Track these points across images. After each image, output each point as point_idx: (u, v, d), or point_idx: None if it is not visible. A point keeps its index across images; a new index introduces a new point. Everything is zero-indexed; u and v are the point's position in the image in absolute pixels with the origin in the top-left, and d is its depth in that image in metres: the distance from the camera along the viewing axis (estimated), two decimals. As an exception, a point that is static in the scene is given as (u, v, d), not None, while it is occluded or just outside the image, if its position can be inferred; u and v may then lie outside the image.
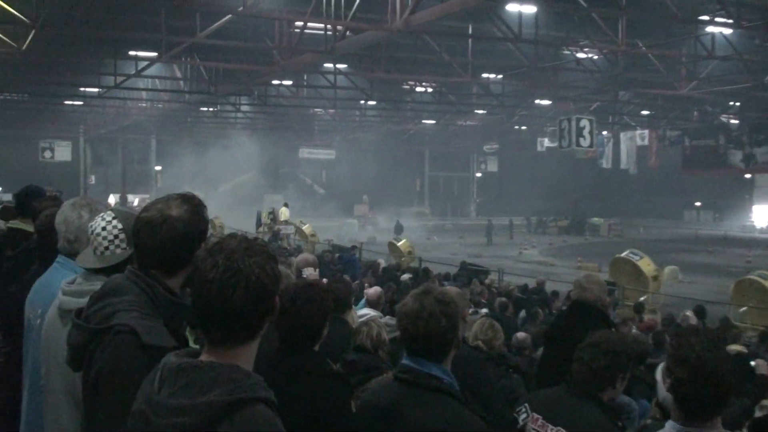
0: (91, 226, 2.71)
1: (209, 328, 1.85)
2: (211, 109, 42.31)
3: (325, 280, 6.48)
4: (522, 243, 42.80)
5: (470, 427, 2.48)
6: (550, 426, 2.94)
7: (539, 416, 3.01)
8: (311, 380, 2.99)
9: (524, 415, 3.07)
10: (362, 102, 37.73)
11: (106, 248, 2.65)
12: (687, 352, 2.35)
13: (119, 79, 27.79)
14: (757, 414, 5.13)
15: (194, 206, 2.40)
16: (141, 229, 2.35)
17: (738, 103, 39.39)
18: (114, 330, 2.22)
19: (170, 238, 2.32)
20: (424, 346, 2.57)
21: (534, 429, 2.99)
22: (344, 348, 4.40)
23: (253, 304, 1.81)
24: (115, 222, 2.67)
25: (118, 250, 2.65)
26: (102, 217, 2.71)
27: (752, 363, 5.95)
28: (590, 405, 2.95)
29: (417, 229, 44.97)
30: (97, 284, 2.52)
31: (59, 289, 2.73)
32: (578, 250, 38.66)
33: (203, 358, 1.86)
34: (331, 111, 41.72)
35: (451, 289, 4.12)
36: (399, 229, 41.55)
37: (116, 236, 2.65)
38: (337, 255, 20.58)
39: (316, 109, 42.94)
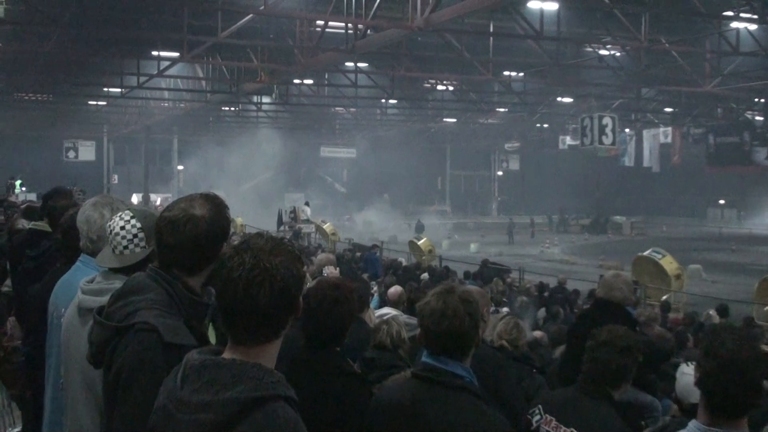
0: (110, 226, 2.72)
1: (233, 326, 1.87)
2: (232, 108, 42.53)
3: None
4: (543, 241, 42.63)
5: (493, 425, 2.47)
6: (563, 427, 2.93)
7: (552, 417, 3.00)
8: (333, 380, 3.01)
9: (537, 417, 3.05)
10: (383, 100, 37.75)
11: (126, 247, 2.67)
12: (718, 346, 2.34)
13: (142, 79, 28.02)
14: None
15: (217, 206, 2.42)
16: (164, 228, 2.36)
17: (763, 100, 38.93)
18: (136, 328, 2.23)
19: (193, 237, 2.33)
20: (447, 345, 2.57)
21: (547, 430, 2.97)
22: (362, 346, 4.40)
23: (278, 303, 1.83)
24: (133, 221, 2.68)
25: (138, 249, 2.67)
26: (120, 216, 2.72)
27: None
28: (603, 404, 2.94)
29: (438, 227, 44.93)
30: (116, 283, 2.54)
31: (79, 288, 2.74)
32: (600, 249, 38.48)
33: (226, 355, 1.88)
34: (352, 109, 41.74)
35: (472, 288, 4.10)
36: (420, 229, 41.53)
37: (135, 235, 2.67)
38: (358, 254, 20.62)
39: (337, 108, 42.99)
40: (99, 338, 2.33)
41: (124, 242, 2.67)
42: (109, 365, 2.26)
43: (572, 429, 2.91)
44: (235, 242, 2.06)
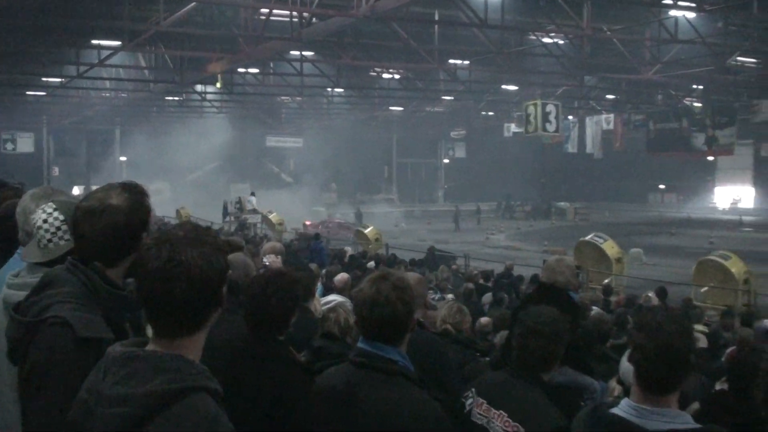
0: (33, 219, 2.66)
1: (153, 319, 1.84)
2: (176, 98, 41.90)
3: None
4: (489, 228, 43.06)
5: (426, 408, 2.51)
6: (494, 410, 2.98)
7: (484, 401, 3.05)
8: (275, 369, 3.00)
9: (470, 400, 3.10)
10: (329, 89, 37.60)
11: (50, 241, 2.60)
12: (648, 320, 2.40)
13: (82, 68, 27.40)
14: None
15: (135, 195, 2.36)
16: (80, 219, 2.32)
17: (701, 87, 39.88)
18: (48, 322, 2.18)
19: (110, 228, 2.28)
20: (380, 331, 2.60)
21: (479, 413, 3.03)
22: (308, 336, 4.41)
23: (197, 296, 1.80)
24: (56, 213, 2.61)
25: (62, 242, 2.59)
26: (43, 209, 2.65)
27: None
28: (533, 388, 2.99)
29: (384, 215, 45.03)
30: (40, 276, 2.46)
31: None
32: (545, 235, 39.02)
33: (149, 348, 1.84)
34: (298, 99, 41.49)
35: (410, 274, 4.16)
36: (359, 217, 41.60)
37: (59, 228, 2.60)
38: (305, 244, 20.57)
39: (283, 97, 42.69)
40: (13, 334, 2.27)
41: (48, 235, 2.60)
42: (23, 361, 2.21)
43: (502, 412, 2.97)
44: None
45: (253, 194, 33.31)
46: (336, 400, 2.59)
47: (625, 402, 2.45)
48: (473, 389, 3.16)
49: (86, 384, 1.86)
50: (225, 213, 32.21)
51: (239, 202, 32.55)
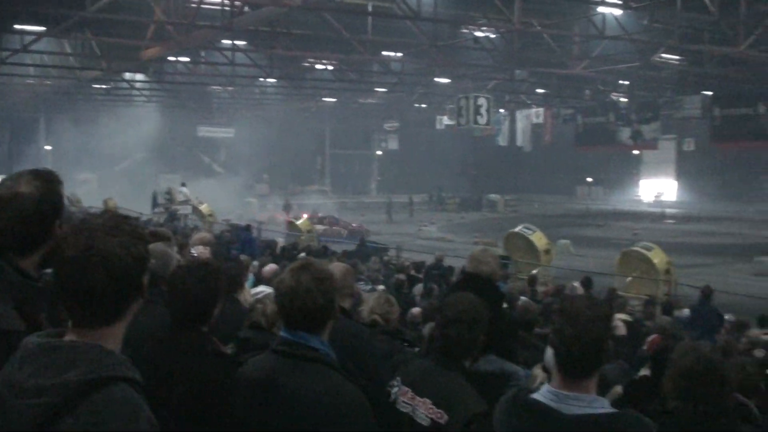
0: None
1: (71, 309, 1.80)
2: (104, 86, 40.90)
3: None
4: (422, 220, 43.36)
5: (346, 394, 2.53)
6: (418, 398, 3.03)
7: (408, 389, 3.10)
8: (197, 360, 2.98)
9: (396, 389, 3.14)
10: (261, 79, 37.25)
11: None
12: (568, 306, 2.47)
13: (4, 54, 26.50)
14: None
15: (47, 182, 2.29)
16: None
17: (627, 82, 40.92)
18: None
19: (20, 216, 2.21)
20: (301, 320, 2.61)
21: (404, 402, 3.07)
22: (237, 327, 4.38)
23: (115, 285, 1.77)
24: None
25: None
26: None
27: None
28: (455, 375, 3.05)
29: (317, 207, 44.89)
30: None
31: None
32: (476, 226, 39.51)
33: (67, 338, 1.81)
34: (230, 88, 41.00)
35: (338, 265, 4.18)
36: (288, 209, 41.46)
37: None
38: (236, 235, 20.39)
39: (214, 87, 42.10)
40: None
41: None
42: None
43: (426, 399, 3.01)
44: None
45: (183, 185, 32.79)
46: (257, 389, 2.60)
47: (545, 388, 2.51)
48: (398, 378, 3.20)
49: (0, 375, 1.80)
50: (154, 204, 31.62)
51: (169, 192, 32.00)
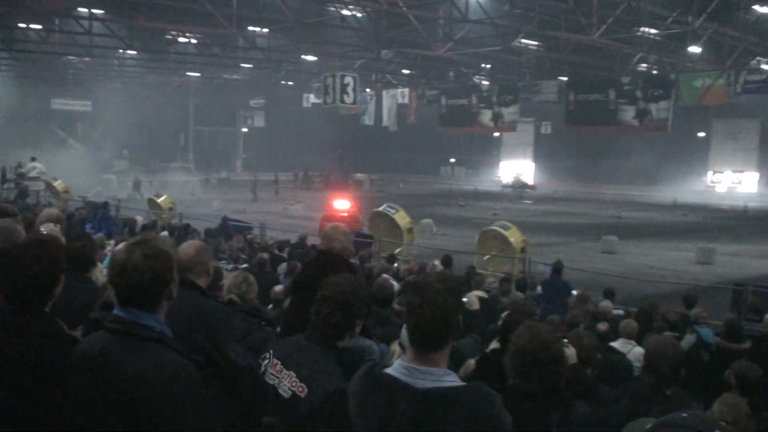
0: None
1: None
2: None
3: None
4: (287, 199, 43.12)
5: (176, 370, 2.51)
6: (285, 371, 3.07)
7: (278, 362, 3.13)
8: (34, 340, 2.89)
9: (266, 361, 3.17)
10: (121, 51, 35.82)
11: None
12: (420, 280, 2.54)
13: None
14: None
15: None
16: None
17: (489, 65, 42.13)
18: None
19: None
20: (132, 297, 2.57)
21: (272, 373, 3.10)
22: (89, 306, 4.23)
23: None
24: None
25: None
26: None
27: (463, 299, 6.50)
28: (325, 352, 3.11)
29: (180, 184, 43.81)
30: None
31: None
32: (342, 205, 39.59)
33: None
34: (87, 59, 39.17)
35: (192, 242, 4.10)
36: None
37: None
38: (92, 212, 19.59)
39: (70, 57, 40.11)
40: None
41: None
42: None
43: (292, 372, 3.05)
44: None
45: (33, 159, 31.08)
46: (89, 367, 2.55)
47: (398, 362, 2.55)
48: (271, 351, 3.24)
49: None
50: (3, 179, 29.86)
51: (20, 167, 30.28)
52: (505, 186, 56.91)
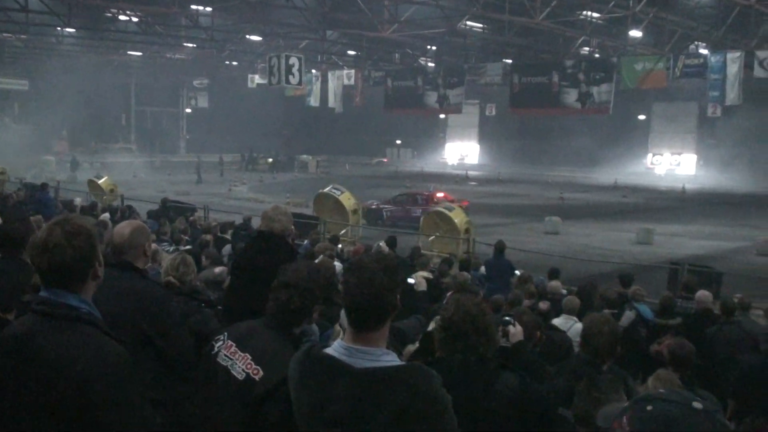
0: None
1: None
2: None
3: None
4: (232, 180, 42.74)
5: (105, 352, 2.47)
6: (240, 352, 3.05)
7: (233, 343, 3.11)
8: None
9: (220, 343, 3.15)
10: (59, 29, 34.86)
11: None
12: (357, 259, 2.55)
13: None
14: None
15: None
16: None
17: (434, 48, 42.20)
18: None
19: None
20: (55, 277, 2.52)
21: (225, 355, 3.09)
22: (22, 288, 4.15)
23: None
24: None
25: None
26: None
27: (410, 280, 6.55)
28: (280, 336, 3.09)
29: (122, 166, 43.05)
30: None
31: None
32: (287, 187, 39.48)
33: None
34: (23, 36, 38.05)
35: (130, 222, 4.04)
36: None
37: None
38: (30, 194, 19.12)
39: (5, 34, 38.90)
40: None
41: None
42: None
43: (247, 354, 3.03)
44: None
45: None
46: (15, 350, 2.49)
47: (338, 342, 2.56)
48: (226, 333, 3.21)
49: None
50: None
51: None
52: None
